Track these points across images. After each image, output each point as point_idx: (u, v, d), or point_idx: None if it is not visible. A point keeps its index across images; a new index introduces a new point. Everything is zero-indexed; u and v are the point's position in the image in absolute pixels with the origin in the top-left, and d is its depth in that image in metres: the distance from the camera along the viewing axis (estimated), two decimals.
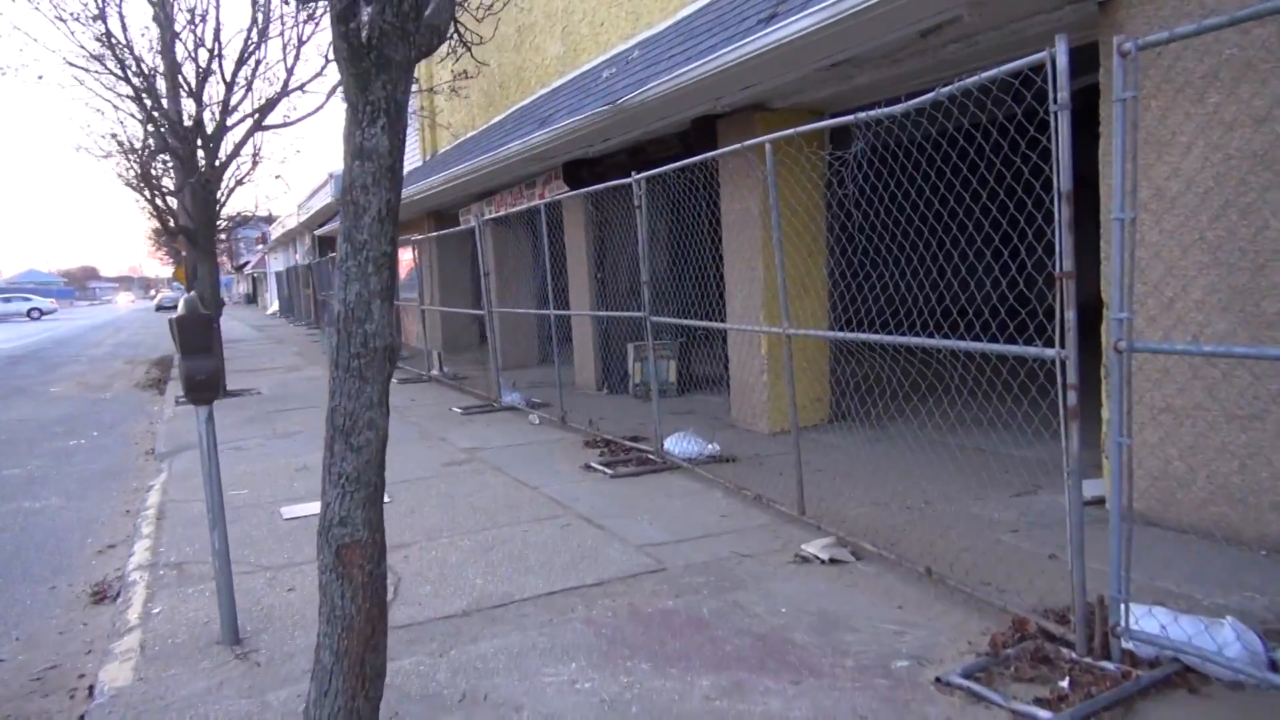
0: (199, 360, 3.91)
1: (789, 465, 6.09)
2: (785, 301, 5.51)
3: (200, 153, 12.91)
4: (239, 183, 24.03)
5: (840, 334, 5.07)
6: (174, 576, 5.26)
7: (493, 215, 11.57)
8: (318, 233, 29.82)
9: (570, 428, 9.09)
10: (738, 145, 5.69)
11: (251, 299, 74.33)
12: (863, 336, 4.79)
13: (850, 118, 4.43)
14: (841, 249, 8.88)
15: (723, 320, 8.85)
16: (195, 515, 6.57)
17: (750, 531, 5.36)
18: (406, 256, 16.42)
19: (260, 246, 58.02)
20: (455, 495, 6.65)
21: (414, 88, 15.53)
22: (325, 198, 28.18)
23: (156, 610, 4.68)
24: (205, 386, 3.95)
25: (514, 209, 12.13)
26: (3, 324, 50.69)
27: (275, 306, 49.39)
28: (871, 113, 4.27)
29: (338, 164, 28.76)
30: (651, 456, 7.40)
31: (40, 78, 14.13)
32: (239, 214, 32.15)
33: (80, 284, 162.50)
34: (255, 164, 22.25)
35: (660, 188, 9.51)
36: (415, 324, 18.56)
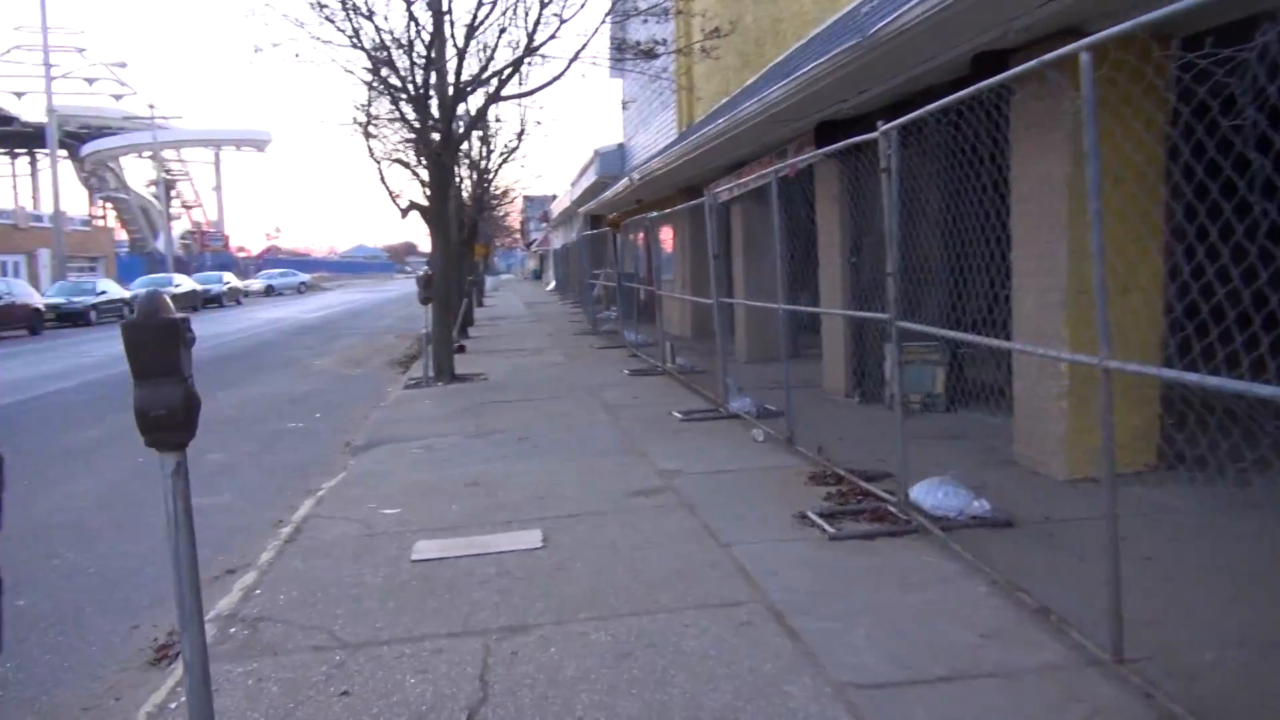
0: (156, 387, 2.63)
1: (1095, 545, 4.02)
2: (1104, 316, 3.43)
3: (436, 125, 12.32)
4: (504, 159, 24.29)
5: (1196, 377, 2.95)
6: (242, 638, 4.16)
7: (723, 188, 9.93)
8: (581, 210, 29.66)
9: (797, 451, 7.29)
10: (1033, 63, 3.66)
11: (538, 275, 77.86)
12: (1246, 388, 2.67)
13: None
14: (1193, 224, 6.36)
15: (1007, 326, 6.68)
16: (329, 541, 5.56)
17: (1026, 678, 3.37)
18: (643, 237, 15.21)
19: (544, 225, 60.19)
20: (621, 547, 5.12)
21: (665, 49, 14.24)
22: (593, 175, 27.88)
23: (175, 705, 3.54)
24: (167, 425, 2.67)
25: (742, 181, 10.42)
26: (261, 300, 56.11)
27: (553, 284, 50.90)
28: None
29: (604, 140, 28.37)
30: (892, 509, 5.47)
31: (297, 55, 14.34)
32: (507, 189, 32.84)
33: (400, 258, 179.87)
34: (521, 136, 22.10)
35: (927, 149, 7.43)
36: (673, 308, 17.33)
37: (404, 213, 12.34)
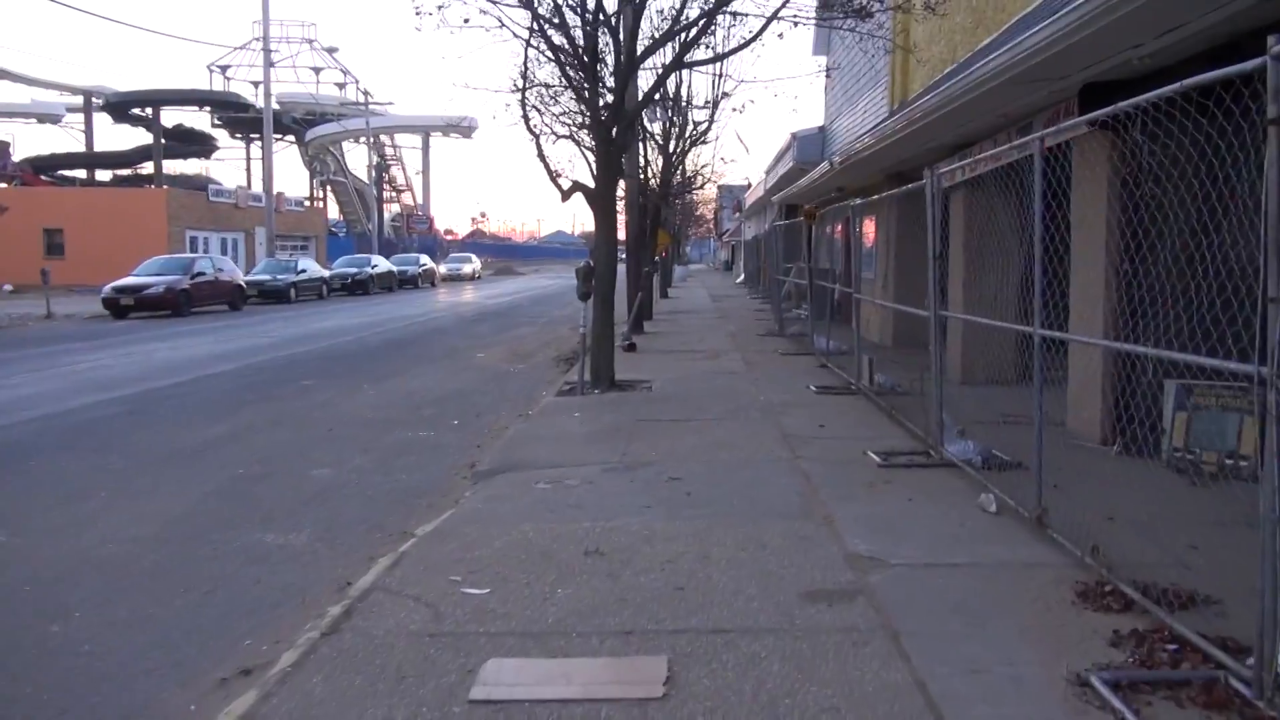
0: None
1: None
2: None
3: (606, 95, 10.77)
4: (692, 141, 22.56)
5: None
6: None
7: (950, 167, 7.73)
8: (775, 199, 27.58)
9: (1051, 537, 5.12)
10: None
11: (729, 266, 76.11)
12: None
13: None
14: None
15: None
16: (377, 640, 4.01)
17: None
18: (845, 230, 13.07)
19: (737, 215, 58.26)
20: (786, 717, 3.25)
21: (881, 5, 12.02)
22: (789, 161, 25.75)
23: None
24: None
25: (982, 157, 8.17)
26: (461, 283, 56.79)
27: (742, 276, 49.02)
28: None
29: (805, 121, 26.18)
30: (1238, 686, 3.30)
31: (466, 21, 13.21)
32: (696, 173, 31.09)
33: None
34: (714, 112, 20.20)
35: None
36: (871, 312, 15.01)
37: (565, 195, 10.83)
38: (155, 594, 4.91)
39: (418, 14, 10.82)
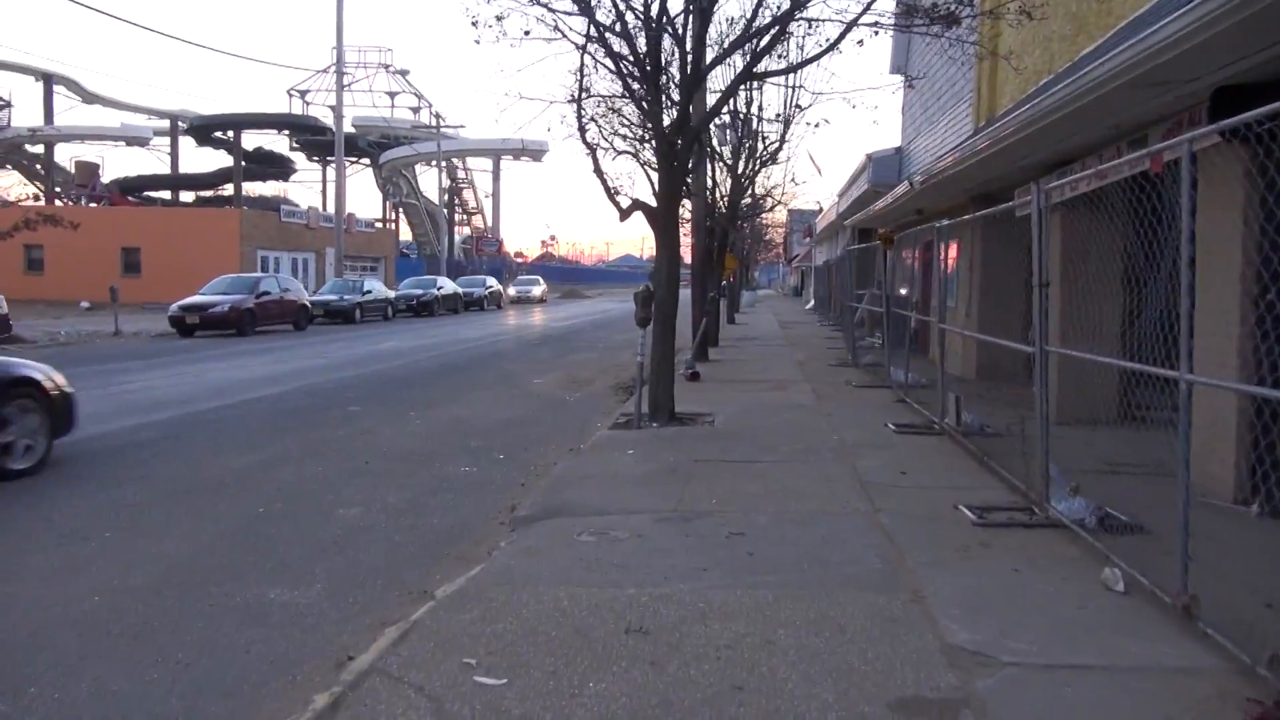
0: None
1: None
2: None
3: (673, 107, 10.06)
4: (763, 161, 21.69)
5: None
6: None
7: (1060, 183, 6.76)
8: (848, 223, 26.56)
9: (1203, 632, 4.14)
10: None
11: (798, 292, 74.78)
12: None
13: None
14: None
15: None
16: None
17: None
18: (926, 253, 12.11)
19: (807, 239, 57.13)
20: None
21: (970, 11, 11.10)
22: (864, 184, 24.76)
23: None
24: None
25: (1115, 164, 7.19)
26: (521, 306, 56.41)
27: (812, 302, 47.86)
28: None
29: (881, 143, 25.16)
30: None
31: (527, 33, 12.70)
32: (767, 194, 30.17)
33: None
34: (786, 130, 19.31)
35: None
36: (953, 341, 13.95)
37: (624, 214, 10.12)
38: (129, 663, 4.24)
39: (474, 25, 10.27)
